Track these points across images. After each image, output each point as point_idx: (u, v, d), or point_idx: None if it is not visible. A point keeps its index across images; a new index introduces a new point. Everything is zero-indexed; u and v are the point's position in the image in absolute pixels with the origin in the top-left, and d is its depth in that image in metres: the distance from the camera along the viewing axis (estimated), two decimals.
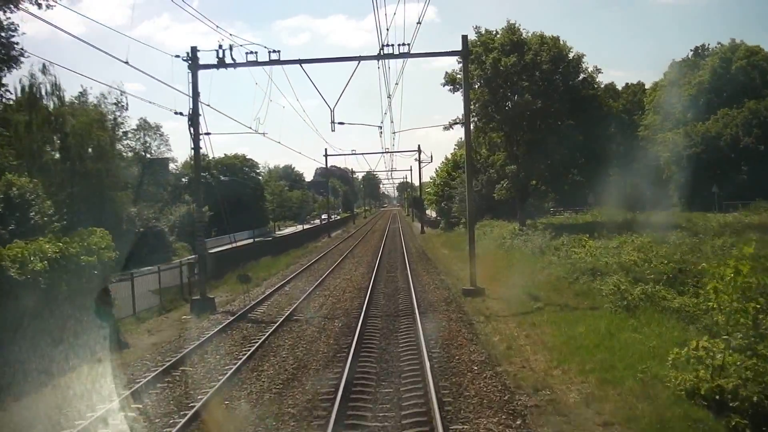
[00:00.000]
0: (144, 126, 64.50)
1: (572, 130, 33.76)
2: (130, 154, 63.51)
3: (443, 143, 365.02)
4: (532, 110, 34.12)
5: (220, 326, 17.14)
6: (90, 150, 46.90)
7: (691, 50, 72.53)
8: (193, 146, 21.75)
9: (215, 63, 21.21)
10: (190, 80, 21.38)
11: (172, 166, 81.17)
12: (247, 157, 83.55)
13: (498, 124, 38.15)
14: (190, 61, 21.39)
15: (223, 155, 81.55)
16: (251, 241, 44.52)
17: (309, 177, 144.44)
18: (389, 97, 48.71)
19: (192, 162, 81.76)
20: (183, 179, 79.38)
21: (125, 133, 63.13)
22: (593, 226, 34.64)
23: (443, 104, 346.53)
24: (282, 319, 17.60)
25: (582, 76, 36.31)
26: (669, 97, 67.96)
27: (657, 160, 60.38)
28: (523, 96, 33.74)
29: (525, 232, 32.51)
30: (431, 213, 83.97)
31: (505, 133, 37.92)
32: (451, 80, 36.91)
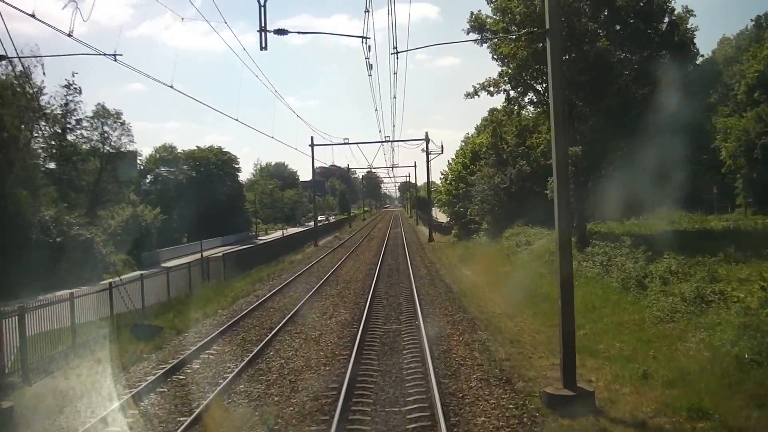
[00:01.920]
0: (102, 113, 54.81)
1: (668, 97, 22.22)
2: (86, 146, 53.80)
3: (449, 144, 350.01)
4: (606, 67, 22.55)
5: None
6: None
7: (752, 20, 61.31)
8: None
9: None
10: None
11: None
12: (225, 150, 72.14)
13: (539, 95, 26.75)
14: None
15: (195, 147, 70.14)
16: (201, 256, 32.62)
17: (308, 176, 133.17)
18: None
19: (157, 155, 69.25)
20: (148, 176, 68.57)
21: (78, 121, 53.14)
22: (687, 237, 23.52)
23: (444, 105, 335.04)
24: None
25: (667, 19, 24.81)
26: (726, 77, 56.81)
27: (712, 151, 49.35)
28: (595, 43, 22.14)
29: (600, 248, 21.03)
30: (437, 215, 72.55)
31: (546, 105, 26.40)
32: (478, 24, 25.47)
